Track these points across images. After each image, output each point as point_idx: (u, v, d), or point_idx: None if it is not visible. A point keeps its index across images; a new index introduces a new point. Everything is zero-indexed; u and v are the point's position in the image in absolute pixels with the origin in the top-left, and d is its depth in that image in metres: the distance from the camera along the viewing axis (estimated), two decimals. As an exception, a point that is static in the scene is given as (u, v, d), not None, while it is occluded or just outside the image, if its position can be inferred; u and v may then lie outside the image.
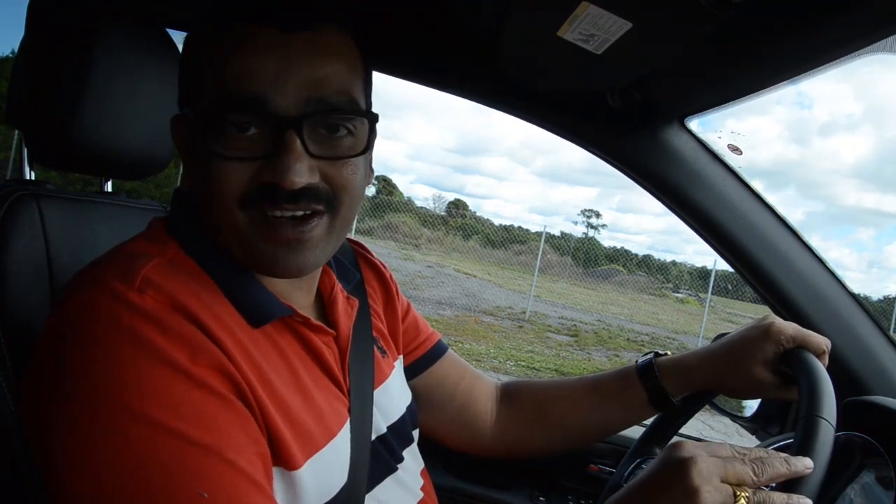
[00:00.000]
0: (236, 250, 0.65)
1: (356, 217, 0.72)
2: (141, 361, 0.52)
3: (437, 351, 1.01)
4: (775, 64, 0.82)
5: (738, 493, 0.58)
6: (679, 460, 0.59)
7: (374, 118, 0.67)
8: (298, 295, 0.74)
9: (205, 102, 0.63)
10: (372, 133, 0.68)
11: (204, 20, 0.66)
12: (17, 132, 0.91)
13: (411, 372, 0.96)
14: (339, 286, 0.80)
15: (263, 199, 0.61)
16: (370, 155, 0.72)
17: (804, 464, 0.61)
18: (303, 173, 0.60)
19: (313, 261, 0.66)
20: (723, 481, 0.58)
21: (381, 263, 0.96)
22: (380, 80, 0.70)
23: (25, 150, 0.89)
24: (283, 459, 0.61)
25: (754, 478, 0.60)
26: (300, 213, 0.63)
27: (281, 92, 0.60)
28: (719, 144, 1.13)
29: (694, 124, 1.11)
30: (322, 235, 0.65)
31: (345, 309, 0.78)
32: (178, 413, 0.52)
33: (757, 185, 1.11)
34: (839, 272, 1.10)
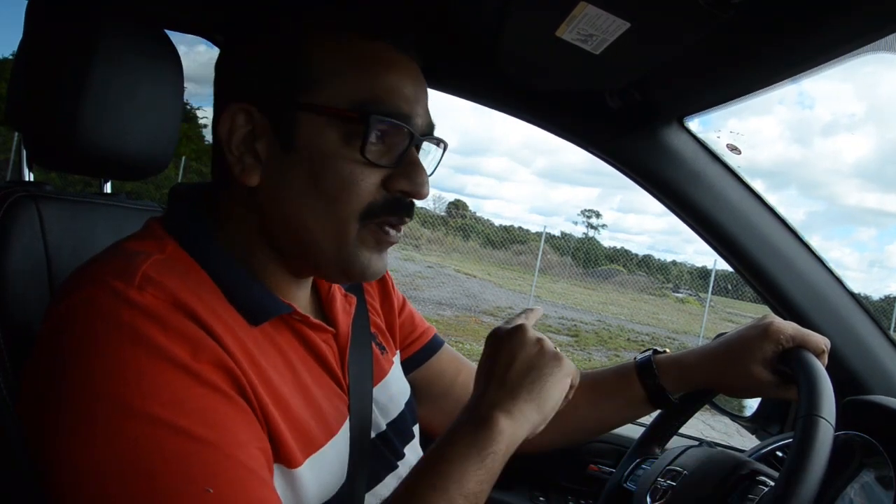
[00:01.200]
0: (325, 256, 0.67)
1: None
2: (142, 359, 0.52)
3: (434, 345, 1.01)
4: (775, 63, 0.82)
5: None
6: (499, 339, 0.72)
7: (447, 146, 0.76)
8: (298, 293, 0.74)
9: (340, 106, 0.63)
10: (441, 158, 0.76)
11: (327, 26, 0.66)
12: (16, 133, 0.91)
13: (408, 366, 0.96)
14: (336, 284, 0.80)
15: (389, 210, 0.67)
16: None
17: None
18: (429, 185, 0.69)
19: (387, 264, 0.73)
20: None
21: None
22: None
23: (24, 152, 0.89)
24: (284, 458, 0.61)
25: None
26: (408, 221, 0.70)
27: (416, 112, 0.67)
28: (719, 144, 1.13)
29: (694, 124, 1.12)
30: None
31: (343, 306, 0.79)
32: (180, 410, 0.52)
33: (758, 184, 1.11)
34: (840, 272, 1.11)
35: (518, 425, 0.66)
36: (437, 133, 0.73)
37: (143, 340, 0.53)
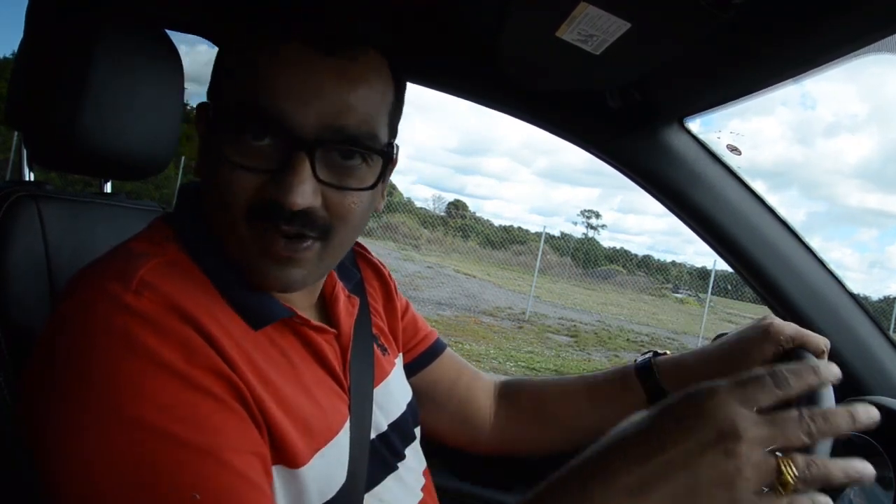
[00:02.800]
0: (235, 259, 0.65)
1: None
2: (134, 364, 0.52)
3: (436, 349, 1.01)
4: (775, 64, 0.82)
5: (784, 468, 0.46)
6: (723, 430, 0.47)
7: (388, 156, 0.67)
8: (300, 296, 0.74)
9: (226, 103, 0.63)
10: (384, 170, 0.67)
11: (247, 24, 0.66)
12: (16, 133, 0.91)
13: (410, 370, 0.96)
14: (340, 285, 0.80)
15: (264, 216, 0.61)
16: (385, 183, 0.71)
17: (833, 371, 0.54)
18: (306, 195, 0.60)
19: (301, 279, 0.65)
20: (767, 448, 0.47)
21: (380, 262, 0.96)
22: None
23: (25, 151, 0.89)
24: (288, 458, 0.61)
25: (805, 439, 0.48)
26: (293, 232, 0.62)
27: (303, 112, 0.60)
28: (719, 144, 1.13)
29: (696, 124, 1.12)
30: (313, 258, 0.65)
31: (346, 307, 0.79)
32: (171, 415, 0.52)
33: (760, 185, 1.11)
34: (840, 272, 1.10)
35: None
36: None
37: (137, 345, 0.53)
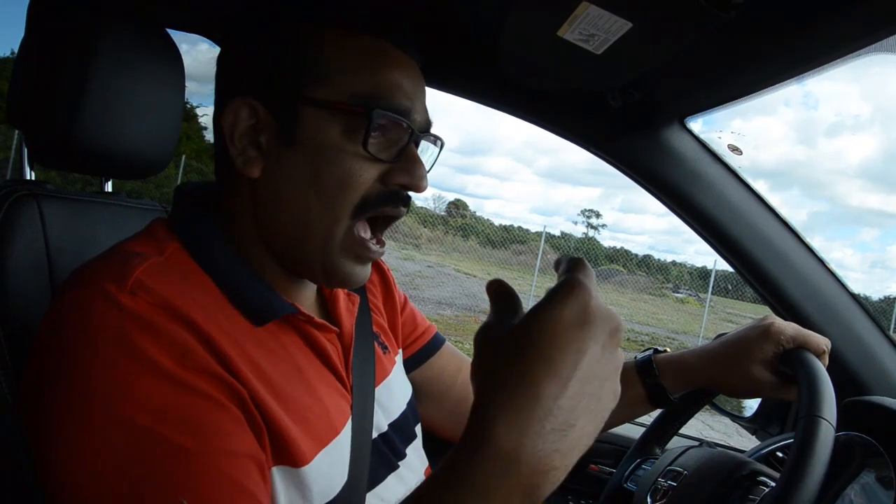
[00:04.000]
0: (311, 256, 0.67)
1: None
2: (128, 365, 0.52)
3: (435, 343, 1.01)
4: (776, 64, 0.82)
5: None
6: (614, 320, 0.46)
7: (443, 144, 0.78)
8: (302, 293, 0.74)
9: (340, 99, 0.64)
10: (438, 156, 0.78)
11: (328, 20, 0.67)
12: (17, 132, 0.91)
13: (410, 365, 0.96)
14: None
15: (386, 201, 0.67)
16: None
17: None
18: (427, 179, 0.69)
19: (370, 272, 0.73)
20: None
21: (378, 259, 0.96)
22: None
23: (25, 150, 0.89)
24: (290, 457, 0.60)
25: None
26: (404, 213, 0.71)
27: (416, 109, 0.69)
28: (720, 144, 1.13)
29: (697, 123, 1.12)
30: None
31: (346, 305, 0.79)
32: (163, 417, 0.52)
33: (762, 185, 1.11)
34: (841, 272, 1.11)
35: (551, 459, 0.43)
36: (437, 132, 0.75)
37: (130, 346, 0.53)
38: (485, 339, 0.47)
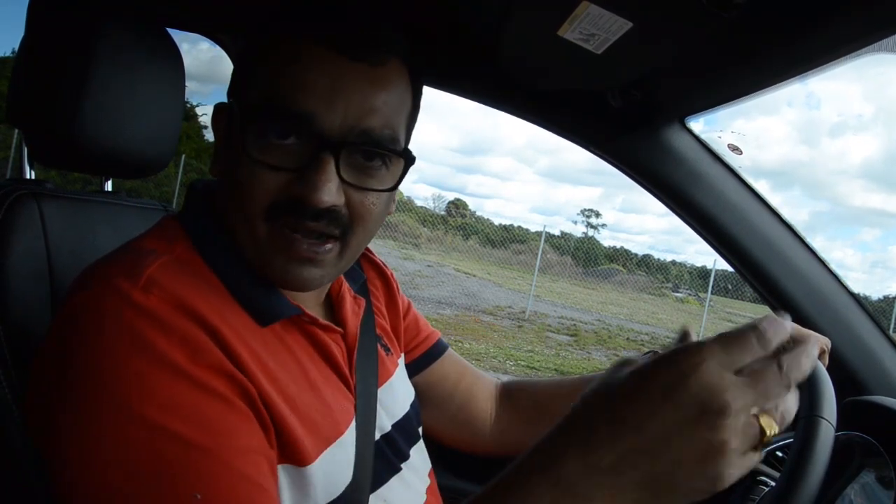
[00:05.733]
0: (249, 252, 0.65)
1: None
2: (141, 362, 0.53)
3: (438, 349, 1.01)
4: (776, 64, 0.82)
5: (766, 426, 0.43)
6: (707, 403, 0.41)
7: (410, 160, 0.69)
8: (309, 295, 0.74)
9: (251, 102, 0.64)
10: (404, 172, 0.69)
11: (271, 26, 0.67)
12: (16, 131, 0.91)
13: (412, 370, 0.96)
14: (346, 285, 0.81)
15: (288, 212, 0.62)
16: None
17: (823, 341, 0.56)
18: (332, 193, 0.62)
19: (319, 278, 0.67)
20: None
21: (383, 263, 0.96)
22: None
23: (25, 150, 0.89)
24: (295, 456, 0.61)
25: (786, 391, 0.44)
26: (317, 232, 0.63)
27: (329, 112, 0.62)
28: (720, 144, 1.13)
29: (699, 123, 1.12)
30: (332, 259, 0.67)
31: (352, 308, 0.79)
32: (176, 414, 0.52)
33: (763, 185, 1.11)
34: (842, 272, 1.11)
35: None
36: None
37: (144, 343, 0.53)
38: (608, 375, 0.49)
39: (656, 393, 0.43)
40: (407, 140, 0.71)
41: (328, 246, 0.65)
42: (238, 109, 0.65)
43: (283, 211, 0.62)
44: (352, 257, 0.70)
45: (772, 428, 0.43)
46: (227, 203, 0.66)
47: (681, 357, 0.43)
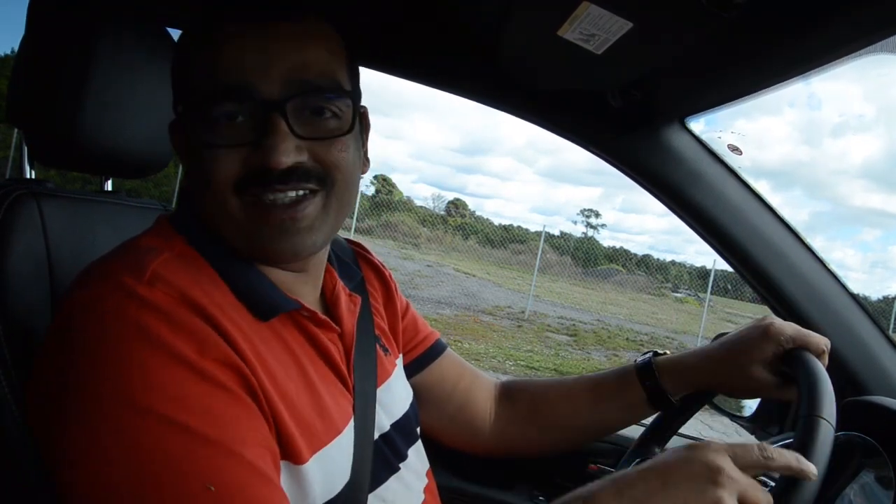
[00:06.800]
0: (233, 237, 0.66)
1: (355, 212, 0.75)
2: (147, 355, 0.53)
3: (436, 349, 1.01)
4: (776, 64, 0.82)
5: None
6: (708, 465, 0.59)
7: (356, 97, 0.69)
8: (304, 290, 0.74)
9: (196, 98, 0.65)
10: (356, 113, 0.69)
11: (191, 24, 0.69)
12: (16, 131, 0.91)
13: (410, 370, 0.96)
14: (341, 284, 0.80)
15: (255, 184, 0.63)
16: (363, 143, 0.75)
17: (810, 469, 0.62)
18: (289, 152, 0.62)
19: (310, 243, 0.67)
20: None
21: (381, 263, 0.96)
22: (382, 79, 0.72)
23: (25, 149, 0.88)
24: (290, 454, 0.61)
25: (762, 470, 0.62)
26: (293, 193, 0.64)
27: (265, 78, 0.63)
28: (720, 144, 1.13)
29: (699, 123, 1.12)
30: (316, 215, 0.66)
31: (348, 306, 0.79)
32: (184, 406, 0.52)
33: (764, 185, 1.11)
34: (842, 272, 1.11)
35: None
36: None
37: (150, 336, 0.53)
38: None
39: (671, 466, 0.61)
40: (355, 89, 0.72)
41: (305, 205, 0.65)
42: (183, 109, 0.66)
43: (250, 183, 0.63)
44: (339, 215, 0.69)
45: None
46: (201, 200, 0.67)
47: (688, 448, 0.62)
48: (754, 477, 0.61)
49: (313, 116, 0.65)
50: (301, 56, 0.65)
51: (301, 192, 0.65)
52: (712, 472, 0.58)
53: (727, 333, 0.94)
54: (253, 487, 0.53)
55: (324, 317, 0.72)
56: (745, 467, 0.60)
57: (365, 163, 0.76)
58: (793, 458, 0.62)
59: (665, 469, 0.61)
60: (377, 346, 0.84)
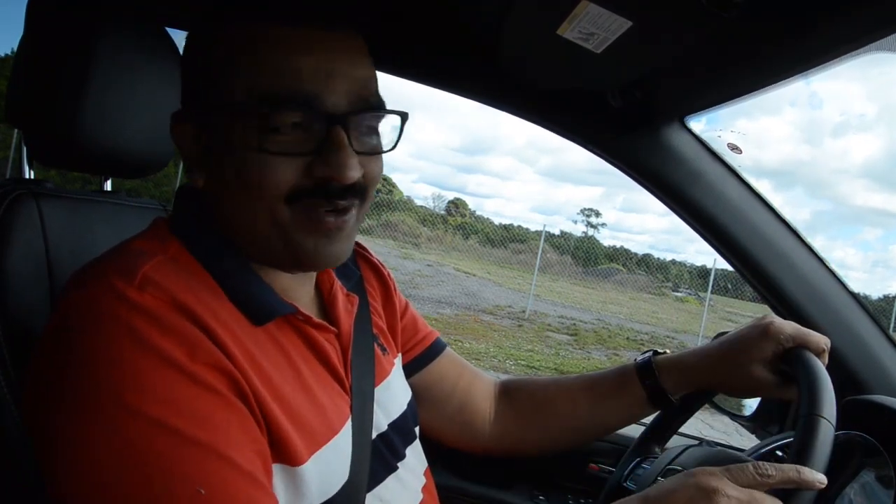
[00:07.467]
0: (272, 245, 0.66)
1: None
2: (139, 358, 0.53)
3: (436, 349, 1.01)
4: (776, 63, 0.82)
5: None
6: (701, 484, 0.62)
7: (405, 116, 0.71)
8: (301, 292, 0.74)
9: (239, 100, 0.62)
10: (402, 130, 0.71)
11: (226, 20, 0.65)
12: (16, 131, 0.91)
13: (410, 370, 0.96)
14: (338, 284, 0.80)
15: (316, 195, 0.63)
16: None
17: (817, 478, 0.63)
18: (355, 168, 0.64)
19: (347, 249, 0.69)
20: None
21: (380, 262, 0.96)
22: (382, 79, 0.72)
23: (25, 149, 0.88)
24: (287, 456, 0.61)
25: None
26: (344, 204, 0.65)
27: (331, 91, 0.63)
28: (720, 143, 1.13)
29: (700, 123, 1.12)
30: (353, 225, 0.68)
31: (345, 306, 0.79)
32: (175, 410, 0.52)
33: (765, 184, 1.12)
34: (842, 272, 1.11)
35: None
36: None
37: (141, 340, 0.53)
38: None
39: (664, 493, 0.65)
40: None
41: (349, 214, 0.67)
42: (219, 109, 0.64)
43: (306, 194, 0.63)
44: (361, 223, 0.72)
45: None
46: (229, 202, 0.65)
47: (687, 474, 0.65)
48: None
49: (366, 129, 0.67)
50: (360, 72, 0.66)
51: (350, 204, 0.66)
52: (709, 493, 0.60)
53: (727, 332, 0.94)
54: (243, 491, 0.53)
55: (319, 320, 0.72)
56: (743, 487, 0.62)
57: None
58: (792, 471, 0.62)
59: (664, 495, 0.64)
60: (375, 345, 0.83)
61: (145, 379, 0.52)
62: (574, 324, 11.34)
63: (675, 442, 1.02)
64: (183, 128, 0.68)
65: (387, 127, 0.70)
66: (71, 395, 0.52)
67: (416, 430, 0.88)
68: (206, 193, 0.68)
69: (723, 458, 0.88)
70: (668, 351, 0.98)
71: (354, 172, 0.63)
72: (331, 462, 0.66)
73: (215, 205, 0.67)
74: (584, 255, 18.49)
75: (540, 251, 13.82)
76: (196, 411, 0.53)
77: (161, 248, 0.63)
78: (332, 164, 0.62)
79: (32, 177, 0.92)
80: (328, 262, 0.68)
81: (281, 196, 0.63)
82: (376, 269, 0.95)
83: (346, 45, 0.65)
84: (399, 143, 0.71)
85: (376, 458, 0.75)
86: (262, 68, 0.62)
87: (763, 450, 1.02)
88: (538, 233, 16.84)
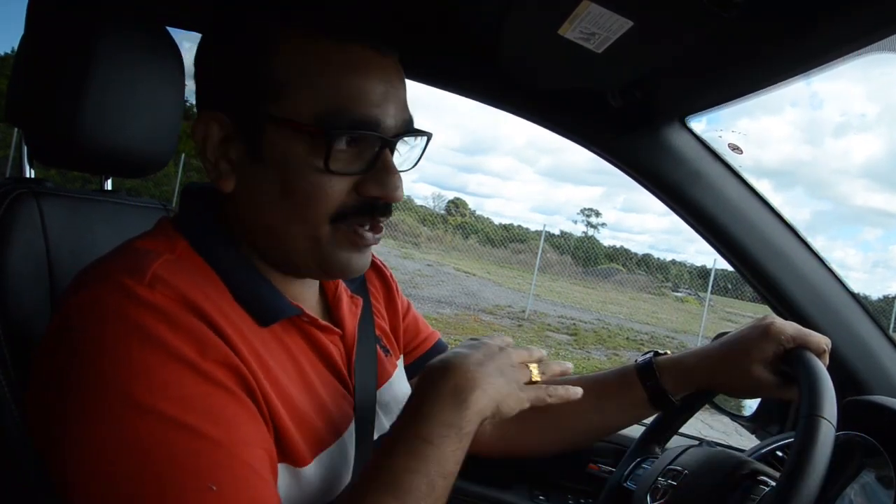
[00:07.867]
0: (303, 257, 0.66)
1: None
2: (149, 355, 0.53)
3: (437, 350, 1.01)
4: (776, 63, 0.82)
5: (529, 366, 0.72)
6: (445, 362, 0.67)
7: (430, 137, 0.73)
8: (307, 294, 0.74)
9: (305, 117, 0.62)
10: (424, 150, 0.74)
11: (282, 32, 0.64)
12: (16, 130, 0.91)
13: (411, 371, 0.96)
14: (342, 285, 0.80)
15: (362, 212, 0.66)
16: None
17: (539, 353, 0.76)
18: (403, 188, 0.67)
19: (370, 259, 0.73)
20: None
21: (382, 263, 0.96)
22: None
23: (25, 149, 0.88)
24: (291, 457, 0.61)
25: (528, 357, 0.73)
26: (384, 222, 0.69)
27: (386, 114, 0.65)
28: (720, 143, 1.13)
29: (700, 122, 1.12)
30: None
31: (349, 308, 0.79)
32: (186, 406, 0.52)
33: (765, 184, 1.12)
34: (843, 272, 1.10)
35: (486, 404, 0.65)
36: (433, 127, 0.73)
37: (152, 337, 0.53)
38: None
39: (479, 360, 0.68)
40: None
41: (381, 230, 0.70)
42: (287, 122, 0.62)
43: (352, 212, 0.65)
44: None
45: (534, 374, 0.72)
46: (262, 212, 0.65)
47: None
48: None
49: (400, 149, 0.70)
50: (404, 94, 0.69)
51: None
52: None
53: (727, 333, 0.94)
54: (253, 488, 0.53)
55: (324, 322, 0.72)
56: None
57: None
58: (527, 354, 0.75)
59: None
60: (378, 347, 0.83)
61: (156, 376, 0.52)
62: (574, 324, 11.34)
63: (675, 442, 1.02)
64: (210, 128, 0.66)
65: (416, 146, 0.73)
66: (79, 394, 0.52)
67: None
68: (228, 197, 0.67)
69: (723, 458, 0.88)
70: (668, 352, 0.98)
71: (402, 192, 0.66)
72: (335, 464, 0.66)
73: (239, 210, 0.67)
74: (584, 255, 18.47)
75: (540, 251, 13.81)
76: (208, 408, 0.53)
77: (168, 247, 0.63)
78: (385, 185, 0.65)
79: (33, 176, 0.92)
80: (357, 273, 0.70)
81: (328, 214, 0.64)
82: (378, 270, 0.95)
83: (397, 67, 0.68)
84: (421, 159, 0.74)
85: None
86: (333, 90, 0.62)
87: (763, 450, 1.02)
88: (538, 233, 16.83)
